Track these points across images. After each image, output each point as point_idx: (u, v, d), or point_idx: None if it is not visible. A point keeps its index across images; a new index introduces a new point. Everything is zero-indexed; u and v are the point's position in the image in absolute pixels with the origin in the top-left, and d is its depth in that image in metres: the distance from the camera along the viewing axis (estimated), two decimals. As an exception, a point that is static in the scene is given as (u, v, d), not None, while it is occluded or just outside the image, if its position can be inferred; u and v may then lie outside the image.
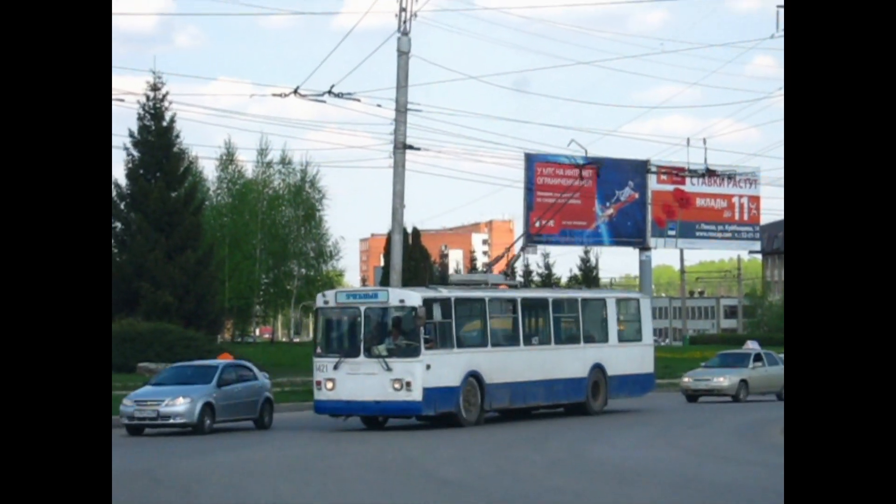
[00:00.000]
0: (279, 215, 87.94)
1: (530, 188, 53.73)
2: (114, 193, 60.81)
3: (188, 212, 60.35)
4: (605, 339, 34.96)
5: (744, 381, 41.45)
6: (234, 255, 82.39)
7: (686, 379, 42.60)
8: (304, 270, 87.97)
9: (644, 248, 60.27)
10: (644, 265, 61.46)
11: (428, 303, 29.50)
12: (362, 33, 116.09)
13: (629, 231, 59.52)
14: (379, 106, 40.26)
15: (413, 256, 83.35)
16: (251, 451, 24.68)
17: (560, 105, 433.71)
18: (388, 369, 29.03)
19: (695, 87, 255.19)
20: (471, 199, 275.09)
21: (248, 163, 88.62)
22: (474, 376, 30.33)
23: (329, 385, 29.68)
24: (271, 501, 17.13)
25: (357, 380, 29.33)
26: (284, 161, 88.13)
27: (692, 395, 41.62)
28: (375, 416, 30.40)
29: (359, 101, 39.03)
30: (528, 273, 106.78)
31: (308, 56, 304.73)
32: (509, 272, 37.11)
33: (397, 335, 29.48)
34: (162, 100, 59.84)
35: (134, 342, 51.26)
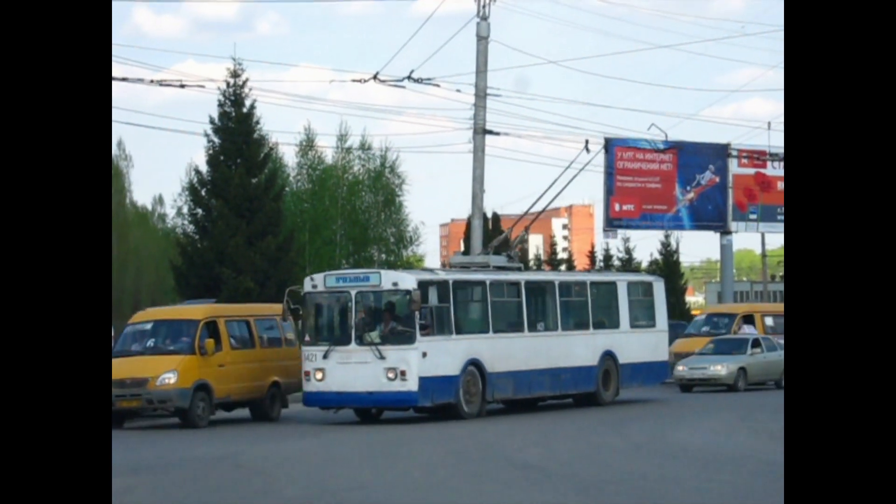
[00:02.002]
0: (359, 201, 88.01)
1: (610, 172, 53.43)
2: (195, 180, 61.27)
3: (269, 198, 60.53)
4: (616, 324, 33.06)
5: (742, 369, 39.17)
6: (314, 240, 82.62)
7: (680, 367, 39.86)
8: (384, 256, 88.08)
9: (725, 232, 59.78)
10: (725, 249, 61.02)
11: (423, 286, 27.81)
12: (441, 18, 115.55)
13: (710, 215, 59.05)
14: (458, 91, 40.39)
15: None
16: (329, 437, 24.75)
17: (640, 89, 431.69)
18: (381, 357, 27.32)
19: (776, 70, 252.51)
20: (551, 183, 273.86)
21: (327, 148, 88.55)
22: (475, 364, 28.54)
23: (318, 375, 27.84)
24: (355, 485, 17.12)
25: (348, 369, 27.58)
26: (364, 147, 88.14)
27: (686, 385, 39.43)
28: (369, 409, 28.77)
29: (438, 86, 39.10)
30: (608, 258, 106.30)
31: (387, 41, 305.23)
32: (513, 255, 34.52)
33: (390, 321, 27.81)
34: (242, 86, 59.98)
35: (216, 327, 51.62)
